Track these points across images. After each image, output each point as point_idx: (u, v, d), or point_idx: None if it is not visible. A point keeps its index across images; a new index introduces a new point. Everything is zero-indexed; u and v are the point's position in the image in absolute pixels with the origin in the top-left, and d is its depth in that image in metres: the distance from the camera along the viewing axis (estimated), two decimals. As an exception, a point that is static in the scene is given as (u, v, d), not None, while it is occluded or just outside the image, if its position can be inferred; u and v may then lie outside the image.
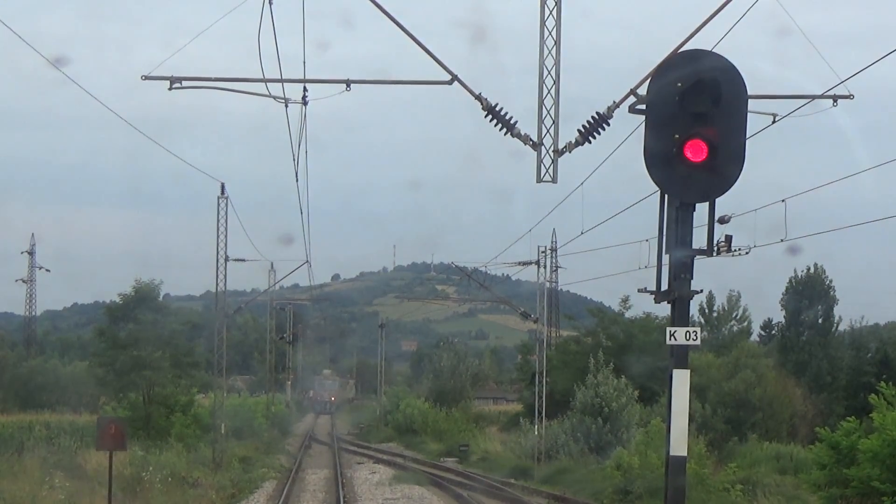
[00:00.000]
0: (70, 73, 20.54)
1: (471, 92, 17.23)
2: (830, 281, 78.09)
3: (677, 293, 10.55)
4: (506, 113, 17.16)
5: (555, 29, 17.43)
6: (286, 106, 19.81)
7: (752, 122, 12.95)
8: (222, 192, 48.12)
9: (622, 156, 18.41)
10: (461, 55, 18.72)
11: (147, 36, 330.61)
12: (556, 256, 77.51)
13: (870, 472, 22.35)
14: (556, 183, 17.40)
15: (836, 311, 78.41)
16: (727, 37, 16.56)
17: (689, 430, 10.79)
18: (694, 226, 10.70)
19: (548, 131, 17.32)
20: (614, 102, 16.14)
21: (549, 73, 17.40)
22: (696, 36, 16.29)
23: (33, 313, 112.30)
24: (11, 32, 18.24)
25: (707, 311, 79.16)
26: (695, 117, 10.21)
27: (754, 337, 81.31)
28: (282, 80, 19.06)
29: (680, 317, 10.50)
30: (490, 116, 17.16)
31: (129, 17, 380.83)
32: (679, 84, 10.26)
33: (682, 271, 10.51)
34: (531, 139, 17.20)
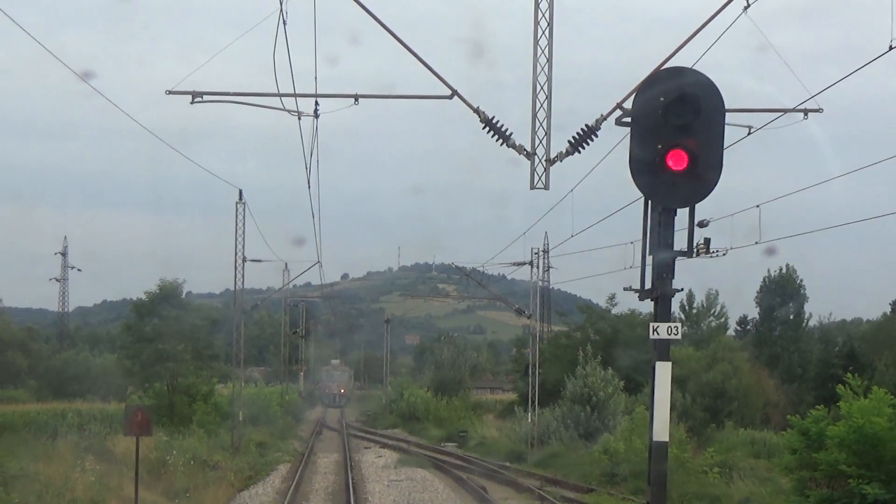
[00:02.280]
0: (96, 86, 20.52)
1: (469, 106, 17.22)
2: (801, 280, 78.28)
3: (660, 291, 10.53)
4: (502, 125, 17.15)
5: (547, 47, 17.42)
6: (299, 118, 19.77)
7: (730, 134, 12.94)
8: (240, 198, 48.17)
9: (609, 164, 18.41)
10: (461, 71, 18.70)
11: (167, 52, 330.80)
12: (548, 257, 77.32)
13: (837, 457, 22.32)
14: (548, 189, 17.38)
15: (807, 308, 78.63)
16: (708, 53, 16.56)
17: (670, 417, 10.78)
18: (675, 229, 10.69)
19: (541, 142, 17.30)
20: (602, 115, 16.13)
21: (542, 88, 17.39)
22: (678, 54, 16.29)
23: (66, 309, 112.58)
24: (40, 48, 18.22)
25: (687, 308, 79.17)
26: (676, 129, 10.20)
27: (731, 332, 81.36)
28: (295, 95, 19.05)
29: (662, 313, 10.49)
30: (487, 128, 17.15)
31: (150, 34, 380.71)
32: (662, 98, 10.25)
33: (664, 271, 10.50)
34: (525, 149, 17.18)
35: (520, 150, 17.20)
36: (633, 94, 11.40)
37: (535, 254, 53.18)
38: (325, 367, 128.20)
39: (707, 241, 13.02)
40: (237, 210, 48.34)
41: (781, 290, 77.30)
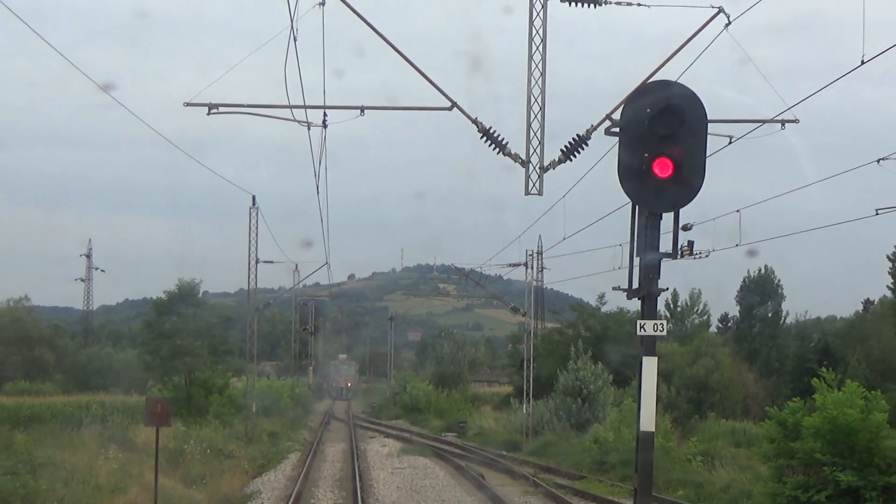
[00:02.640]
0: (116, 97, 20.50)
1: (468, 116, 17.22)
2: (779, 280, 78.32)
3: (647, 290, 10.52)
4: (498, 134, 17.14)
5: (541, 62, 17.42)
6: (309, 129, 19.76)
7: (712, 143, 12.93)
8: (253, 204, 48.24)
9: (599, 172, 18.41)
10: (460, 84, 18.69)
11: (184, 66, 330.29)
12: (541, 259, 77.26)
13: (812, 446, 22.32)
14: (541, 195, 17.37)
15: (784, 306, 78.66)
16: (692, 67, 16.61)
17: (656, 409, 10.76)
18: (661, 232, 10.67)
19: (535, 150, 17.29)
20: (592, 125, 16.14)
21: (536, 100, 17.38)
22: (663, 67, 16.33)
23: (90, 308, 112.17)
24: (65, 62, 18.23)
25: (672, 306, 79.11)
26: (662, 138, 10.18)
27: (713, 329, 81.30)
28: (305, 107, 19.04)
29: (649, 311, 10.47)
30: (485, 138, 17.14)
31: (167, 49, 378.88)
32: (649, 109, 10.23)
33: (650, 272, 10.48)
34: (520, 157, 17.17)
35: (515, 158, 17.19)
36: (622, 106, 11.39)
37: (530, 255, 53.20)
38: (332, 362, 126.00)
39: (691, 244, 13.00)
40: (250, 215, 48.43)
41: (760, 290, 77.32)
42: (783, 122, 18.31)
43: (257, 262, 49.38)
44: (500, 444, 49.94)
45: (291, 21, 17.46)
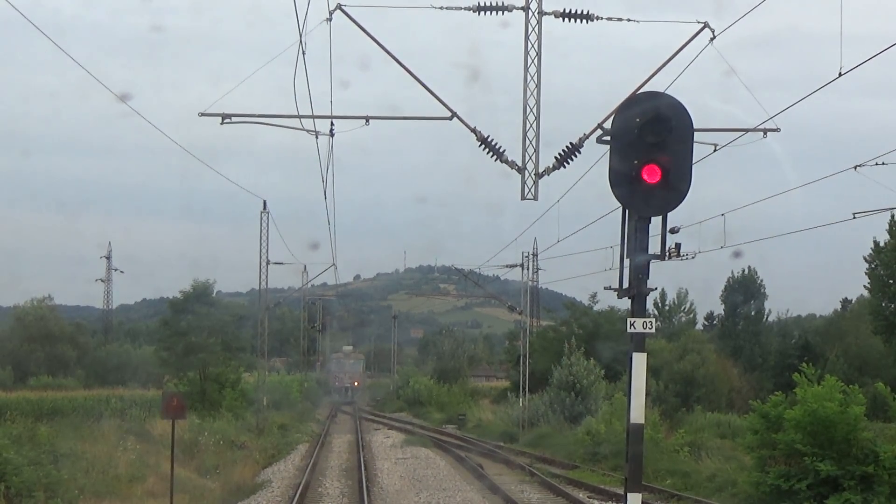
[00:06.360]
0: (133, 107, 20.57)
1: (467, 126, 17.22)
2: (762, 280, 78.14)
3: (636, 290, 10.50)
4: (496, 143, 17.14)
5: (536, 74, 17.42)
6: (316, 137, 19.76)
7: (698, 150, 12.92)
8: (264, 208, 48.30)
9: (591, 178, 18.41)
10: (459, 94, 18.70)
11: (198, 78, 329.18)
12: (537, 260, 77.15)
13: (793, 437, 22.31)
14: (537, 200, 17.37)
15: (767, 305, 78.45)
16: (679, 79, 16.63)
17: (646, 402, 10.74)
18: (650, 235, 10.66)
19: (530, 158, 17.28)
20: (584, 134, 16.14)
21: (531, 109, 17.38)
22: (652, 79, 16.34)
23: (110, 307, 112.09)
24: (85, 73, 18.25)
25: (661, 304, 79.03)
26: (651, 146, 10.16)
27: (699, 326, 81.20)
28: (313, 117, 19.04)
29: (638, 309, 10.45)
30: (483, 145, 17.13)
31: (182, 62, 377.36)
32: (638, 119, 10.22)
33: (640, 272, 10.47)
34: (516, 164, 17.17)
35: (512, 164, 17.18)
36: (613, 116, 11.38)
37: (526, 257, 53.31)
38: (335, 355, 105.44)
39: (678, 246, 13.02)
40: (261, 218, 48.50)
41: (744, 289, 77.23)
42: (765, 131, 18.31)
43: (268, 263, 49.42)
44: (497, 435, 49.91)
45: (300, 35, 17.47)
